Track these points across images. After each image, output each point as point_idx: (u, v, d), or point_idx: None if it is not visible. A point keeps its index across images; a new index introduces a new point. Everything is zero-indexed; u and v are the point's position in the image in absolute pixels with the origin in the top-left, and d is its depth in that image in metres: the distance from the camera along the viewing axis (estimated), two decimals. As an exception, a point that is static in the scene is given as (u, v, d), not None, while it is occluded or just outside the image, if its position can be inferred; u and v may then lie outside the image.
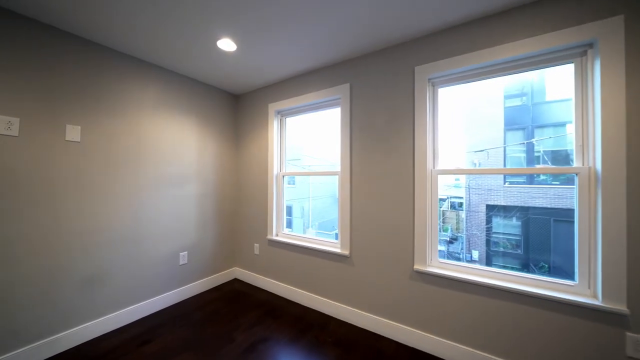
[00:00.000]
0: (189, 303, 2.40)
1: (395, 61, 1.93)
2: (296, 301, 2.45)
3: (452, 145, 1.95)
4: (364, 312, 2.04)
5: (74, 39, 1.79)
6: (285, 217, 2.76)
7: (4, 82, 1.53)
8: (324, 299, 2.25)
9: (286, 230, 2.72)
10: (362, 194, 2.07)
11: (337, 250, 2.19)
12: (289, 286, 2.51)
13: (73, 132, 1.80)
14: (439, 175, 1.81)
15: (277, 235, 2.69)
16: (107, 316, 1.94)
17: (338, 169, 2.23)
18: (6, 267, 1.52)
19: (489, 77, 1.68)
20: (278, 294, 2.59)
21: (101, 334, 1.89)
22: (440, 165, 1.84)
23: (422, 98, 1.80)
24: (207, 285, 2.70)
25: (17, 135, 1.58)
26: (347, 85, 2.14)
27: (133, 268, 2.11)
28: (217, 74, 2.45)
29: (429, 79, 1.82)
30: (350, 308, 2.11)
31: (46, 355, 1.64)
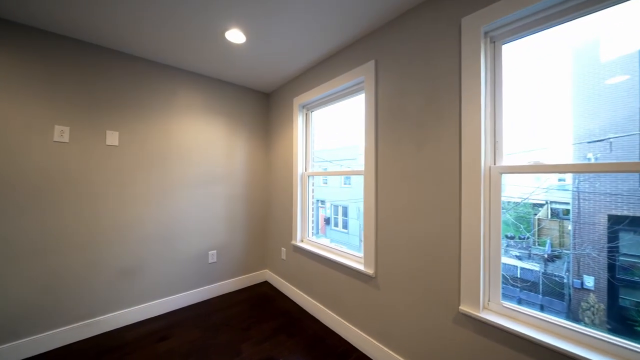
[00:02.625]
0: (215, 302, 2.42)
1: (431, 19, 1.40)
2: (318, 318, 2.15)
3: (536, 131, 1.28)
4: (391, 353, 1.58)
5: (110, 53, 1.98)
6: (311, 221, 2.50)
7: (57, 97, 1.78)
8: (347, 324, 1.88)
9: (312, 237, 2.45)
10: (390, 199, 1.61)
11: (361, 267, 1.79)
12: (312, 299, 2.24)
13: (112, 137, 2.00)
14: (503, 175, 1.21)
15: (301, 241, 2.46)
16: (137, 306, 2.10)
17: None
18: (54, 256, 1.77)
19: (598, 9, 0.99)
20: (301, 305, 2.35)
21: (129, 323, 2.06)
22: (507, 160, 1.23)
23: (474, 63, 1.23)
24: (237, 285, 2.70)
25: (67, 141, 1.82)
26: (372, 63, 1.71)
27: (164, 263, 2.24)
28: (238, 73, 2.38)
29: (485, 33, 1.23)
30: (375, 342, 1.68)
31: (84, 336, 1.86)
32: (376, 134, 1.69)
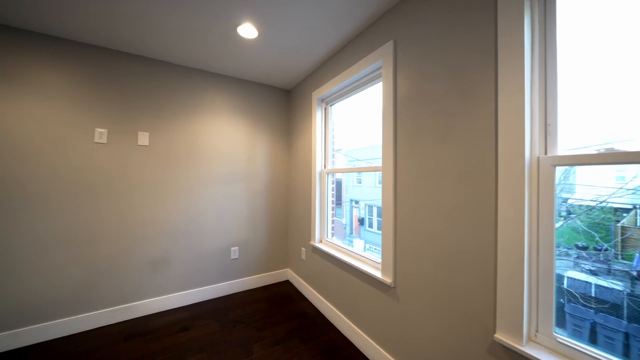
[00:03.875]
0: (236, 298, 2.45)
1: (462, -22, 1.15)
2: (334, 324, 2.01)
3: (610, 109, 0.94)
4: (411, 375, 1.37)
5: (139, 60, 2.13)
6: (331, 221, 2.37)
7: (97, 103, 1.98)
8: (364, 335, 1.71)
9: (331, 238, 2.32)
10: (411, 198, 1.39)
11: (378, 274, 1.60)
12: (329, 304, 2.11)
13: (143, 138, 2.15)
14: (557, 168, 0.92)
15: (320, 241, 2.35)
16: (163, 296, 2.23)
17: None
18: (92, 246, 1.97)
19: None
20: (319, 309, 2.24)
21: (155, 311, 2.19)
22: (562, 149, 0.94)
23: (515, 28, 0.96)
24: (258, 283, 2.71)
25: (105, 142, 2.01)
26: (389, 45, 1.50)
27: (189, 257, 2.34)
28: (257, 71, 2.37)
29: (532, -16, 0.96)
30: (392, 360, 1.48)
31: (114, 321, 2.03)
32: (395, 125, 1.49)
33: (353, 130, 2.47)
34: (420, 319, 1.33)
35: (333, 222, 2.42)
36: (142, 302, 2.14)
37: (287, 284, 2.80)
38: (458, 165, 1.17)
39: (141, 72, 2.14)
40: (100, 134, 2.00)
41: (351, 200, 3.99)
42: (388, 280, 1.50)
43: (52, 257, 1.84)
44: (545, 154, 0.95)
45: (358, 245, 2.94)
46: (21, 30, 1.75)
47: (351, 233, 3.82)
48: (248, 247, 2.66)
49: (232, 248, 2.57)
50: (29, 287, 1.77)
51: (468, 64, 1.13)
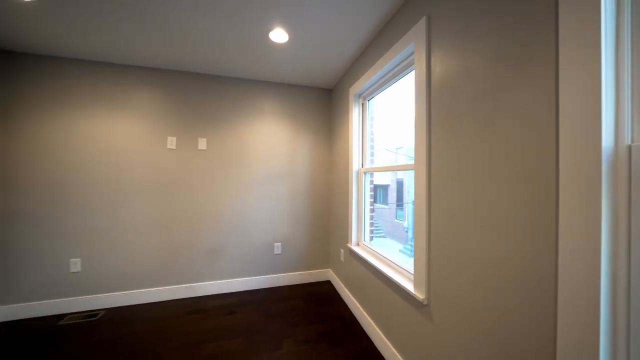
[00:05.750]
0: (277, 291, 2.59)
1: None
2: (368, 333, 1.89)
3: None
4: (444, 412, 1.15)
5: (198, 77, 2.48)
6: (369, 223, 2.23)
7: (169, 116, 2.40)
8: (395, 351, 1.54)
9: (369, 241, 2.19)
10: (448, 201, 1.17)
11: (410, 287, 1.41)
12: (364, 311, 1.99)
13: (202, 143, 2.50)
14: (663, 163, 0.61)
15: (357, 245, 2.24)
16: (218, 281, 2.53)
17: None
18: (168, 233, 2.39)
19: None
20: (354, 314, 2.14)
21: (210, 293, 2.50)
22: (674, 132, 0.61)
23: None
24: (299, 280, 2.79)
25: (174, 148, 2.43)
26: (422, 22, 1.30)
27: (239, 248, 2.60)
28: (296, 74, 2.43)
29: None
30: (425, 388, 1.28)
31: (178, 297, 2.42)
32: (428, 116, 1.28)
33: (392, 126, 2.26)
34: (456, 349, 1.10)
35: (372, 224, 2.27)
36: (201, 283, 2.49)
37: (327, 284, 2.78)
38: (506, 159, 0.92)
39: (199, 87, 2.49)
40: (171, 142, 2.42)
41: (411, 201, 3.69)
42: (420, 296, 1.31)
43: (145, 240, 2.33)
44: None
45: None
46: (128, 66, 2.28)
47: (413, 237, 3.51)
48: (290, 244, 2.77)
49: (276, 244, 2.72)
50: (133, 262, 2.29)
51: (519, 35, 0.87)
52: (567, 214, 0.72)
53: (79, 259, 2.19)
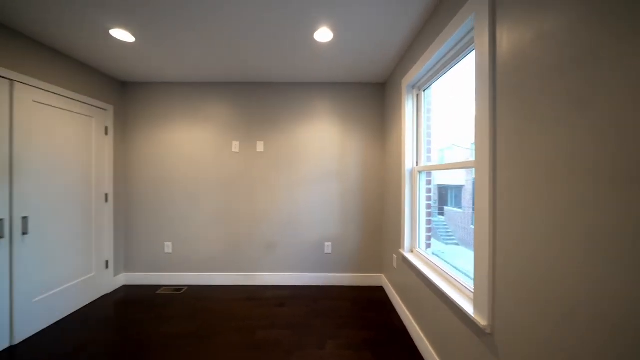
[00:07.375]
0: (326, 290, 2.60)
1: None
2: (419, 349, 1.68)
3: None
4: None
5: (256, 85, 2.71)
6: (424, 228, 1.98)
7: (234, 123, 2.73)
8: (450, 381, 1.32)
9: (425, 249, 1.95)
10: (520, 207, 0.92)
11: (469, 308, 1.18)
12: (416, 325, 1.78)
13: (260, 146, 2.74)
14: None
15: (410, 251, 2.02)
16: (273, 273, 2.72)
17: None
18: (231, 226, 2.72)
19: None
20: (406, 326, 1.95)
21: (266, 284, 2.71)
22: None
23: None
24: (350, 282, 2.73)
25: (238, 151, 2.74)
26: (484, -14, 1.06)
27: (292, 244, 2.74)
28: (345, 71, 2.37)
29: None
30: None
31: (240, 283, 2.70)
32: (493, 99, 1.03)
33: (459, 119, 1.94)
34: (528, 397, 0.85)
35: (429, 230, 2.02)
36: (259, 273, 2.73)
37: (379, 290, 2.63)
38: (602, 154, 0.65)
39: (256, 95, 2.73)
40: (235, 145, 2.73)
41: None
42: (482, 322, 1.07)
43: (213, 230, 2.73)
44: None
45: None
46: (202, 84, 2.71)
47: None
48: (340, 245, 2.74)
49: (326, 243, 2.73)
50: (207, 248, 2.72)
51: (626, -38, 0.60)
52: None
53: (170, 243, 2.72)
